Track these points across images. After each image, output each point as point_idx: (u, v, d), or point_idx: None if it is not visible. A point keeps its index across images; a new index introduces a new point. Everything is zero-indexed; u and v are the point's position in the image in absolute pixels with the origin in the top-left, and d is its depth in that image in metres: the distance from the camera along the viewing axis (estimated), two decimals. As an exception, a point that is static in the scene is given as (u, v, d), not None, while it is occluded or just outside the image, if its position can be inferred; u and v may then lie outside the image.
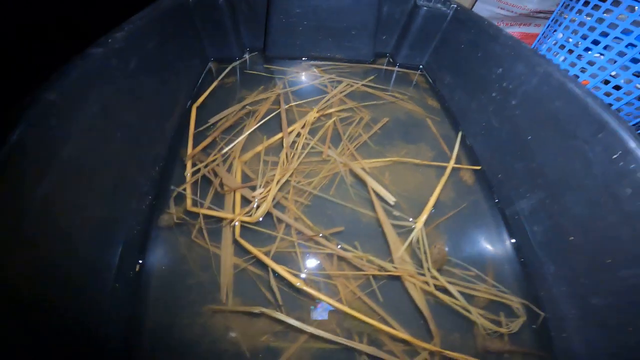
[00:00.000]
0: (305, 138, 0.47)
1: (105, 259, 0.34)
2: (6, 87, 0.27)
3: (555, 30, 0.65)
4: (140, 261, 0.38)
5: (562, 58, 0.63)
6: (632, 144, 0.28)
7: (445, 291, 0.38)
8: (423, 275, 0.38)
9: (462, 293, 0.37)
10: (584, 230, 0.33)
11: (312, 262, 0.39)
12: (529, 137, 0.41)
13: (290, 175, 0.44)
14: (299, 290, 0.37)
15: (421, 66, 0.64)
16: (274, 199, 0.42)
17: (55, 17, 0.52)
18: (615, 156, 0.30)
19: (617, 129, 0.30)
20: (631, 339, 0.29)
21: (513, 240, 0.43)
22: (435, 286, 0.38)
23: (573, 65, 0.61)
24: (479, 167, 0.48)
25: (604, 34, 0.55)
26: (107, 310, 0.32)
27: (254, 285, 0.37)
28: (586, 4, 0.57)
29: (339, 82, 0.58)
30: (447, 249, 0.41)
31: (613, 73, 0.56)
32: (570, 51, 0.61)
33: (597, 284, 0.32)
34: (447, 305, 0.37)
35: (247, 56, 0.62)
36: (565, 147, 0.36)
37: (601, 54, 0.58)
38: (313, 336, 0.34)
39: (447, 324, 0.36)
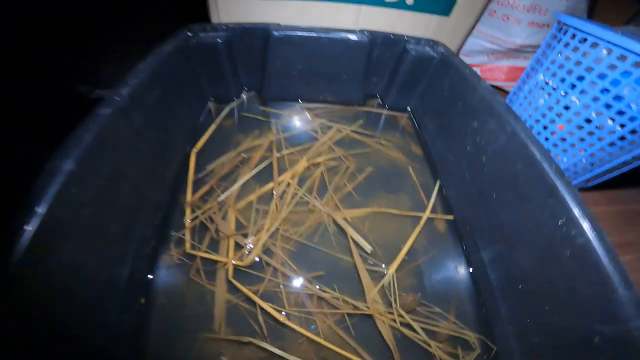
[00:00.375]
0: (294, 188, 0.52)
1: (114, 296, 0.39)
2: (6, 87, 0.28)
3: (537, 71, 0.65)
4: (145, 296, 0.43)
5: (541, 101, 0.62)
6: (576, 212, 0.33)
7: (411, 327, 0.43)
8: (392, 314, 0.44)
9: (425, 329, 0.43)
10: (530, 281, 0.39)
11: (294, 301, 0.44)
12: (493, 195, 0.45)
13: (279, 224, 0.49)
14: (282, 324, 0.42)
15: (409, 109, 0.68)
16: (263, 245, 0.47)
17: (55, 17, 0.53)
18: (561, 222, 0.34)
19: (564, 196, 0.34)
20: None
21: (475, 285, 0.48)
22: (402, 323, 0.43)
23: (550, 108, 0.61)
24: (452, 217, 0.53)
25: (581, 78, 0.55)
26: (117, 340, 0.37)
27: (244, 319, 0.42)
28: (566, 45, 0.57)
29: (329, 127, 0.62)
30: (419, 295, 0.46)
31: (588, 118, 0.56)
32: (549, 94, 0.61)
33: (537, 325, 0.37)
34: (411, 340, 0.42)
35: (244, 96, 0.66)
36: (521, 208, 0.40)
37: (577, 99, 0.57)
38: None
39: (411, 357, 0.41)
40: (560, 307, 0.35)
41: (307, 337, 0.41)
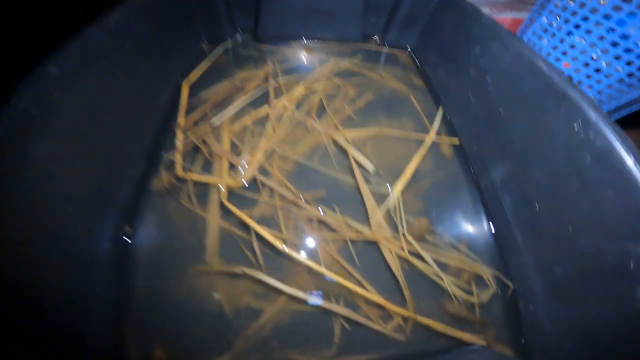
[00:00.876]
0: (292, 111, 0.50)
1: (99, 222, 0.36)
2: (6, 87, 0.29)
3: (540, 15, 0.66)
4: (132, 225, 0.40)
5: (545, 41, 0.64)
6: (591, 114, 0.30)
7: (420, 258, 0.39)
8: (399, 241, 0.40)
9: (435, 261, 0.39)
10: (548, 199, 0.35)
11: (293, 226, 0.41)
12: (501, 112, 0.43)
13: (276, 144, 0.46)
14: (280, 253, 0.39)
15: (409, 47, 0.66)
16: (259, 165, 0.44)
17: (55, 17, 0.52)
18: (576, 126, 0.31)
19: (578, 101, 0.31)
20: (591, 310, 0.30)
21: (486, 210, 0.45)
22: (410, 253, 0.39)
23: (555, 48, 0.62)
24: (457, 141, 0.51)
25: (586, 19, 0.55)
26: (99, 272, 0.35)
27: (238, 248, 0.39)
28: None
29: (327, 61, 0.60)
30: (429, 220, 0.43)
31: (593, 56, 0.57)
32: (553, 35, 0.62)
33: (559, 253, 0.34)
34: (421, 273, 0.39)
35: (239, 37, 0.64)
36: (531, 120, 0.38)
37: (582, 38, 0.59)
38: (292, 298, 0.36)
39: (420, 291, 0.38)
40: (585, 227, 0.30)
41: (307, 268, 0.38)
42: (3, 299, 0.24)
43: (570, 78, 0.35)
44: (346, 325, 0.36)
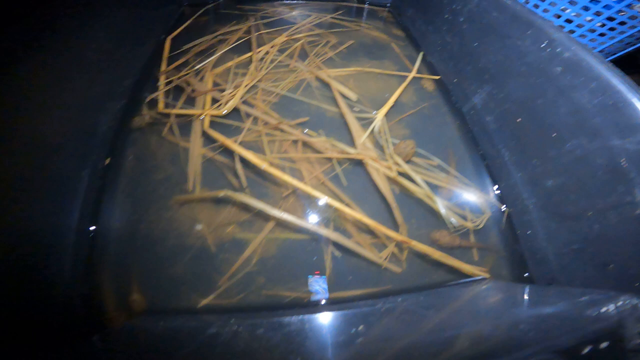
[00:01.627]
0: (274, 55, 0.50)
1: (77, 150, 0.36)
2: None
3: None
4: (111, 156, 0.39)
5: None
6: (555, 35, 0.33)
7: (410, 180, 0.38)
8: (386, 161, 0.40)
9: (425, 182, 0.38)
10: (528, 110, 0.37)
11: (278, 149, 0.40)
12: (475, 44, 0.45)
13: (259, 81, 0.46)
14: (264, 178, 0.38)
15: (388, 4, 0.68)
16: (242, 97, 0.44)
17: None
18: (542, 45, 0.34)
19: (542, 25, 0.35)
20: (592, 226, 0.29)
21: (472, 134, 0.45)
22: (400, 174, 0.38)
23: (536, 6, 0.63)
24: (437, 77, 0.51)
25: None
26: (76, 202, 0.34)
27: (221, 175, 0.38)
28: None
29: (309, 16, 0.61)
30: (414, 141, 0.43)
31: (574, 13, 0.59)
32: None
33: (547, 163, 0.34)
34: (411, 198, 0.38)
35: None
36: (502, 46, 0.40)
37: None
38: (279, 225, 0.35)
39: (413, 216, 0.37)
40: (568, 129, 0.31)
41: (293, 192, 0.37)
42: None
43: (532, 10, 0.39)
44: (337, 253, 0.34)
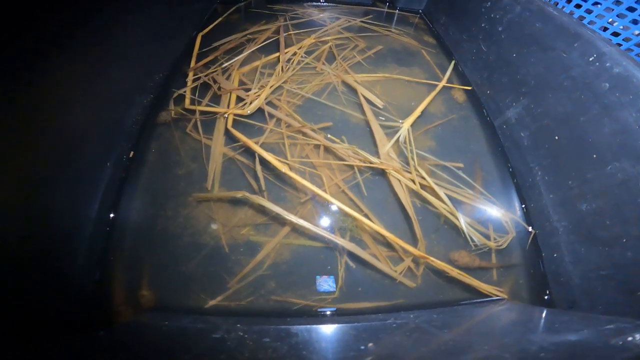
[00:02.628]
0: (301, 56, 0.50)
1: (104, 141, 0.36)
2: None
3: None
4: (136, 149, 0.39)
5: (561, 6, 0.64)
6: (605, 48, 0.31)
7: (433, 193, 0.36)
8: (409, 173, 0.38)
9: (448, 197, 0.36)
10: (568, 127, 0.34)
11: (299, 154, 0.40)
12: (514, 55, 0.43)
13: (284, 82, 0.46)
14: (283, 180, 0.37)
15: (420, 11, 0.67)
16: (266, 98, 0.44)
17: None
18: (591, 58, 0.32)
19: (591, 38, 0.33)
20: (625, 253, 0.27)
21: (502, 149, 0.43)
22: (422, 186, 0.37)
23: (572, 13, 0.61)
24: (469, 88, 0.49)
25: None
26: (99, 191, 0.34)
27: (241, 175, 0.38)
28: None
29: (338, 18, 0.61)
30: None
31: (610, 20, 0.57)
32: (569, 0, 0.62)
33: (584, 185, 0.32)
34: (434, 212, 0.36)
35: (252, -1, 0.66)
36: (544, 58, 0.38)
37: (598, 3, 0.59)
38: (294, 230, 0.34)
39: (433, 231, 0.35)
40: (611, 151, 0.29)
41: (311, 198, 0.36)
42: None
43: (580, 22, 0.36)
44: (351, 264, 0.33)
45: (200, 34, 0.55)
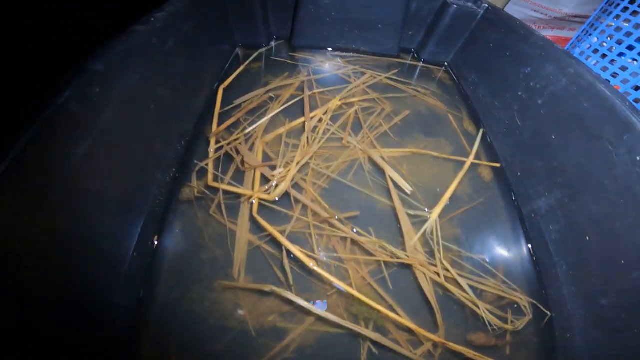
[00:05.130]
0: (327, 124, 0.48)
1: (127, 227, 0.35)
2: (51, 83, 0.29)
3: (590, 34, 0.64)
4: (159, 232, 0.39)
5: (594, 62, 0.62)
6: None
7: (455, 283, 0.37)
8: (434, 265, 0.39)
9: (471, 287, 0.37)
10: (601, 230, 0.33)
11: (325, 245, 0.39)
12: (553, 137, 0.41)
13: (310, 158, 0.45)
14: (310, 272, 0.37)
15: (446, 63, 0.64)
16: (292, 179, 0.42)
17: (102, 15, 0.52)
18: (639, 158, 0.30)
19: None
20: (633, 341, 0.29)
21: (527, 238, 0.43)
22: (445, 278, 0.38)
23: (605, 69, 0.60)
24: (498, 165, 0.48)
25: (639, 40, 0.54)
26: (123, 279, 0.33)
27: (267, 264, 0.38)
28: (625, 9, 0.58)
29: (363, 73, 0.58)
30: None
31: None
32: (604, 56, 0.60)
33: (608, 284, 0.32)
34: (454, 298, 0.37)
35: (273, 44, 0.64)
36: (589, 147, 0.36)
37: (635, 60, 0.57)
38: (320, 319, 0.35)
39: (453, 317, 0.36)
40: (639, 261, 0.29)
41: (337, 289, 0.36)
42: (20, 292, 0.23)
43: (632, 104, 0.33)
44: (374, 350, 0.34)
45: (222, 86, 0.53)
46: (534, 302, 0.38)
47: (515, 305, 0.38)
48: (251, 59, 0.59)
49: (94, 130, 0.30)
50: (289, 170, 0.43)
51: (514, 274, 0.40)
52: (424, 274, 0.38)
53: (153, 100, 0.39)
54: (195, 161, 0.44)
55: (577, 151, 0.37)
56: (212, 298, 0.35)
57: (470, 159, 0.47)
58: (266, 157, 0.45)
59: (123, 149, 0.34)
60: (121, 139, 0.34)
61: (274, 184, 0.42)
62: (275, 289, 0.35)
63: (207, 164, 0.44)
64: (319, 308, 0.35)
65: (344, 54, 0.63)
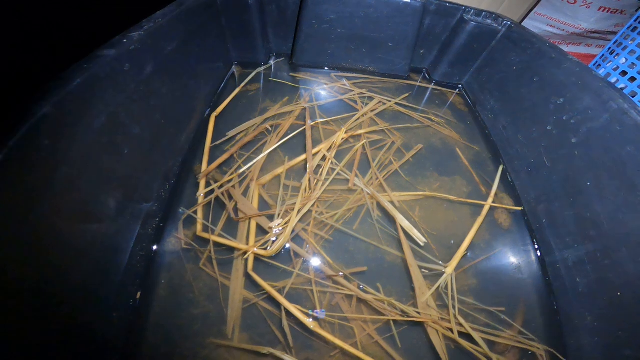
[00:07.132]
0: (331, 162, 0.43)
1: (105, 287, 0.31)
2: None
3: (617, 55, 0.58)
4: (142, 289, 0.34)
5: (622, 85, 0.57)
6: None
7: (468, 337, 0.34)
8: (447, 321, 0.35)
9: (486, 340, 0.34)
10: (631, 287, 0.31)
11: (329, 302, 0.35)
12: (587, 184, 0.36)
13: (312, 205, 0.40)
14: (312, 332, 0.33)
15: (460, 85, 0.59)
16: (292, 231, 0.38)
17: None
18: None
19: None
20: None
21: (549, 290, 0.39)
22: (459, 332, 0.34)
23: (634, 94, 0.55)
24: (520, 209, 0.44)
25: None
26: (102, 342, 0.29)
27: (264, 322, 0.34)
28: None
29: (370, 98, 0.53)
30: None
31: None
32: (633, 79, 0.55)
33: (633, 338, 0.30)
34: (467, 352, 0.34)
35: (272, 62, 0.58)
36: (629, 199, 0.31)
37: None
38: None
39: None
40: None
41: (342, 349, 0.33)
42: None
43: None
44: None
45: (214, 113, 0.47)
46: (552, 350, 0.35)
47: (530, 353, 0.35)
48: (248, 79, 0.53)
49: (46, 192, 0.24)
50: (288, 220, 0.38)
51: (532, 324, 0.36)
52: (436, 330, 0.35)
53: (127, 142, 0.33)
54: (182, 209, 0.39)
55: (616, 203, 0.33)
56: (204, 355, 0.32)
57: (489, 202, 0.43)
58: (263, 202, 0.41)
59: (90, 205, 0.29)
60: (82, 195, 0.28)
61: (272, 239, 0.37)
62: (273, 351, 0.32)
63: (195, 212, 0.39)
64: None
65: (349, 74, 0.57)
